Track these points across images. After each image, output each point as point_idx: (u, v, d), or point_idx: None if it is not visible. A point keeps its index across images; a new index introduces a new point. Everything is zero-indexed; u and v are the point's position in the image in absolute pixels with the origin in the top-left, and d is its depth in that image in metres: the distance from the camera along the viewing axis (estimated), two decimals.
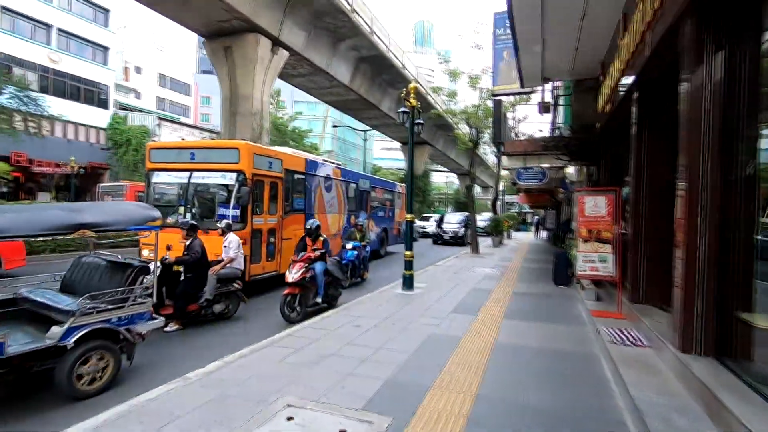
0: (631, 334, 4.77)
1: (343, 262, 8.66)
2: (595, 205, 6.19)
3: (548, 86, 11.58)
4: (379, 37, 24.54)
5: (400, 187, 17.44)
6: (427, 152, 44.21)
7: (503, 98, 13.68)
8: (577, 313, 6.97)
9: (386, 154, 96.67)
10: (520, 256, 16.83)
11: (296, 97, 61.60)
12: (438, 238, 22.27)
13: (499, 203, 29.88)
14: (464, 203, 26.43)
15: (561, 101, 10.31)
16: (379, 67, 26.90)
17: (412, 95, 8.44)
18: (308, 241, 6.86)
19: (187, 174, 7.53)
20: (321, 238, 6.85)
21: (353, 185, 12.52)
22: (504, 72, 12.86)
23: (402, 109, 8.29)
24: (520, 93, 12.46)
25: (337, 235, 11.11)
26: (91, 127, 31.65)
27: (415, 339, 5.26)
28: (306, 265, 6.41)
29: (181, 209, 7.56)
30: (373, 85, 28.66)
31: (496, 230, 21.77)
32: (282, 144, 26.11)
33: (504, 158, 10.70)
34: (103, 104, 32.83)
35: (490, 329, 5.81)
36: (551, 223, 26.33)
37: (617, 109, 6.64)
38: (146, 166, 7.92)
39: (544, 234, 29.27)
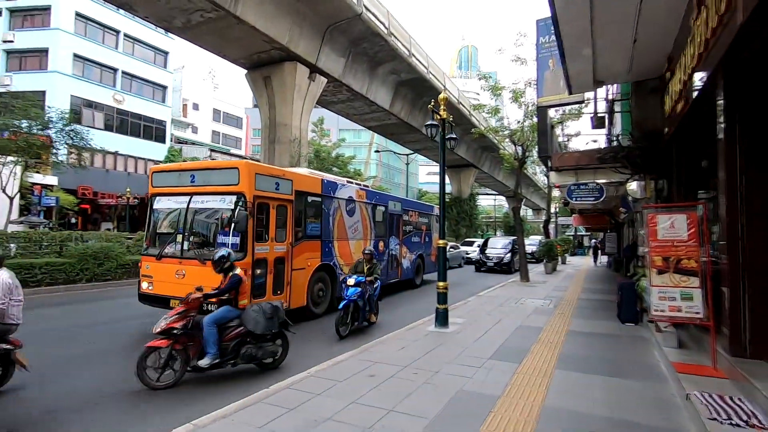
0: (740, 407, 3.41)
1: (342, 303, 6.89)
2: (671, 226, 4.87)
3: (601, 94, 10.29)
4: (418, 59, 24.16)
5: (437, 210, 16.26)
6: (472, 175, 42.88)
7: (551, 111, 12.41)
8: (652, 363, 5.53)
9: (432, 178, 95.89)
10: (577, 284, 15.03)
11: (341, 125, 62.96)
12: (481, 265, 20.38)
13: (551, 226, 27.82)
14: (514, 227, 24.71)
15: (617, 107, 9.00)
16: (420, 90, 26.41)
17: (442, 107, 7.58)
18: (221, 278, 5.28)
19: (187, 198, 6.94)
20: (231, 274, 5.08)
21: (381, 208, 11.38)
22: (550, 82, 11.70)
23: (430, 122, 7.42)
24: (568, 104, 11.22)
25: None
26: (149, 160, 33.61)
27: (438, 397, 4.18)
28: (184, 309, 4.75)
29: (179, 237, 6.97)
30: (414, 108, 28.20)
31: (548, 255, 19.94)
32: (325, 172, 26.02)
33: (553, 175, 9.40)
34: (160, 139, 34.96)
35: (538, 384, 4.59)
36: (611, 247, 23.92)
37: (693, 108, 5.36)
38: (149, 190, 7.52)
39: (604, 259, 26.63)
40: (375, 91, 24.13)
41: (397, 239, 12.23)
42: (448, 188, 47.60)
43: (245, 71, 20.55)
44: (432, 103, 7.46)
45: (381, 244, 10.92)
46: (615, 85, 10.39)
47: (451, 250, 22.28)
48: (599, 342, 6.67)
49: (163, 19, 16.34)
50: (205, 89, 53.90)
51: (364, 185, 11.18)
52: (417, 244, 13.73)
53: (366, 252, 7.67)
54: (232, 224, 6.45)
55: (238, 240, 6.50)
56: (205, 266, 6.31)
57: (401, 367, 5.09)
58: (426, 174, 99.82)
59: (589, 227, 29.02)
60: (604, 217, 20.06)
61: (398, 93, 26.11)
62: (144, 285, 7.10)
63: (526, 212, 76.75)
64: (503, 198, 67.57)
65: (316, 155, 30.49)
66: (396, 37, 21.55)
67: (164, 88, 35.91)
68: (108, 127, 30.84)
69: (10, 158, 11.88)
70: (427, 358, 5.51)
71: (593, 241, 38.01)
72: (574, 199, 9.07)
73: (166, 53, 36.05)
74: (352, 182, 10.49)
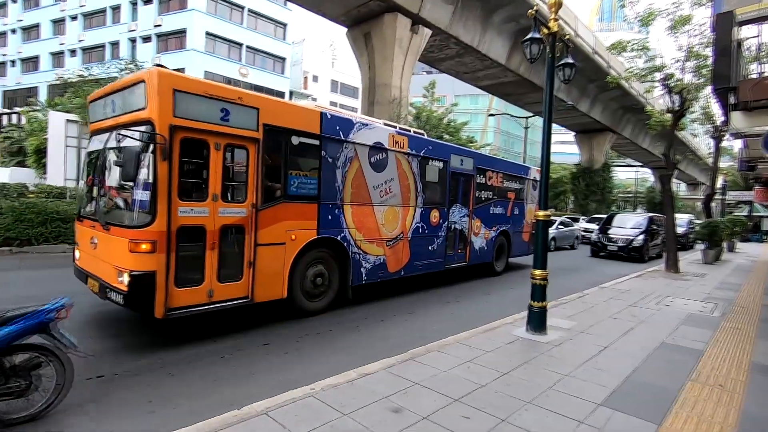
0: None
1: None
2: None
3: None
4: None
5: (535, 173, 11.77)
6: (608, 141, 36.45)
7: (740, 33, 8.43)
8: None
9: (559, 148, 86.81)
10: (757, 282, 10.90)
11: (457, 90, 59.44)
12: (599, 249, 15.84)
13: (714, 204, 21.82)
14: (660, 203, 19.84)
15: None
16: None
17: (552, 16, 5.18)
18: None
19: (107, 135, 4.90)
20: None
21: (437, 164, 8.04)
22: None
23: (532, 35, 5.13)
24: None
25: (397, 241, 7.21)
26: None
27: None
28: None
29: (95, 191, 5.11)
30: (537, 61, 24.17)
31: (711, 239, 15.27)
32: (437, 138, 24.04)
33: (738, 117, 6.08)
34: None
35: None
36: None
37: None
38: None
39: None
40: (488, 44, 21.11)
41: (466, 209, 9.02)
42: (576, 158, 41.47)
43: (346, 30, 19.52)
44: (534, 9, 5.09)
45: (435, 214, 8.03)
46: None
47: (560, 227, 18.15)
48: None
49: None
50: (323, 61, 55.48)
51: (416, 132, 7.94)
52: (499, 218, 10.25)
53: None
54: (121, 170, 4.30)
55: (147, 196, 4.27)
56: (109, 233, 4.56)
57: (450, 401, 3.31)
58: (553, 143, 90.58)
59: None
60: None
61: (517, 44, 22.50)
62: (76, 254, 5.46)
63: (678, 187, 64.20)
64: (649, 170, 57.26)
65: (425, 120, 28.66)
66: None
67: (283, 60, 37.46)
68: None
69: None
70: (498, 387, 3.61)
71: None
72: None
73: (285, 25, 37.36)
74: (389, 124, 7.41)
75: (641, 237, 15.15)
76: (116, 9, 35.39)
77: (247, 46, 34.43)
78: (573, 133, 38.31)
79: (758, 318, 6.77)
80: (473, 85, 27.73)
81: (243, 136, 4.95)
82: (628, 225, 15.96)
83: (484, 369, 4.01)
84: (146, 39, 33.61)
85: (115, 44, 35.46)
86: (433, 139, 8.47)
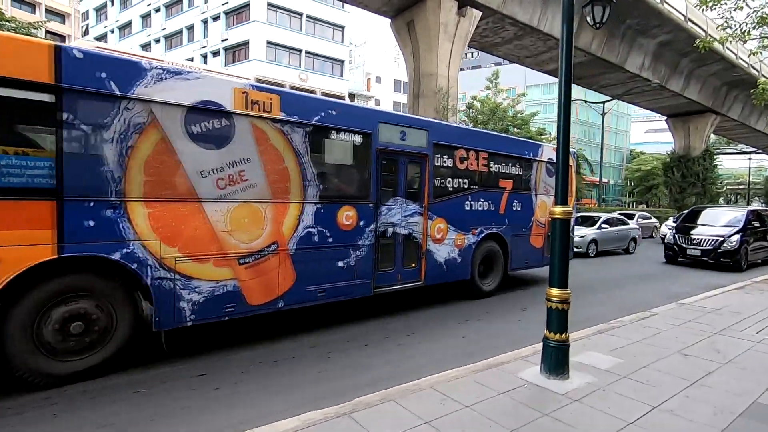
0: None
1: None
2: None
3: None
4: None
5: (551, 153, 8.43)
6: (709, 124, 31.22)
7: None
8: None
9: (652, 137, 78.22)
10: None
11: (529, 80, 55.65)
12: (675, 254, 12.60)
13: None
14: None
15: None
16: (621, 8, 19.41)
17: None
18: None
19: None
20: None
21: (349, 137, 5.51)
22: None
23: None
24: None
25: (264, 255, 4.70)
26: None
27: None
28: None
29: None
30: (613, 37, 21.26)
31: None
32: (502, 132, 22.21)
33: None
34: None
35: None
36: None
37: None
38: None
39: None
40: (551, 20, 18.81)
41: (416, 205, 6.35)
42: (669, 146, 36.17)
43: (389, 22, 18.57)
44: None
45: (347, 213, 5.47)
46: None
47: (604, 226, 14.41)
48: None
49: None
50: (386, 62, 55.20)
51: (269, 86, 4.95)
52: (484, 215, 7.33)
53: None
54: None
55: None
56: None
57: None
58: (644, 132, 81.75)
59: None
60: None
61: (586, 18, 19.82)
62: None
63: None
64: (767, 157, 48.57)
65: (490, 112, 26.83)
66: None
67: (341, 62, 37.58)
68: None
69: None
70: None
71: None
72: None
73: (342, 27, 37.48)
74: (247, 78, 5.19)
75: (735, 237, 11.62)
76: (190, 28, 38.11)
77: (306, 51, 35.03)
78: (664, 118, 33.47)
79: None
80: (538, 70, 25.22)
81: None
82: (719, 222, 12.50)
83: None
84: (216, 53, 35.68)
85: (190, 61, 38.18)
86: (340, 101, 5.91)
